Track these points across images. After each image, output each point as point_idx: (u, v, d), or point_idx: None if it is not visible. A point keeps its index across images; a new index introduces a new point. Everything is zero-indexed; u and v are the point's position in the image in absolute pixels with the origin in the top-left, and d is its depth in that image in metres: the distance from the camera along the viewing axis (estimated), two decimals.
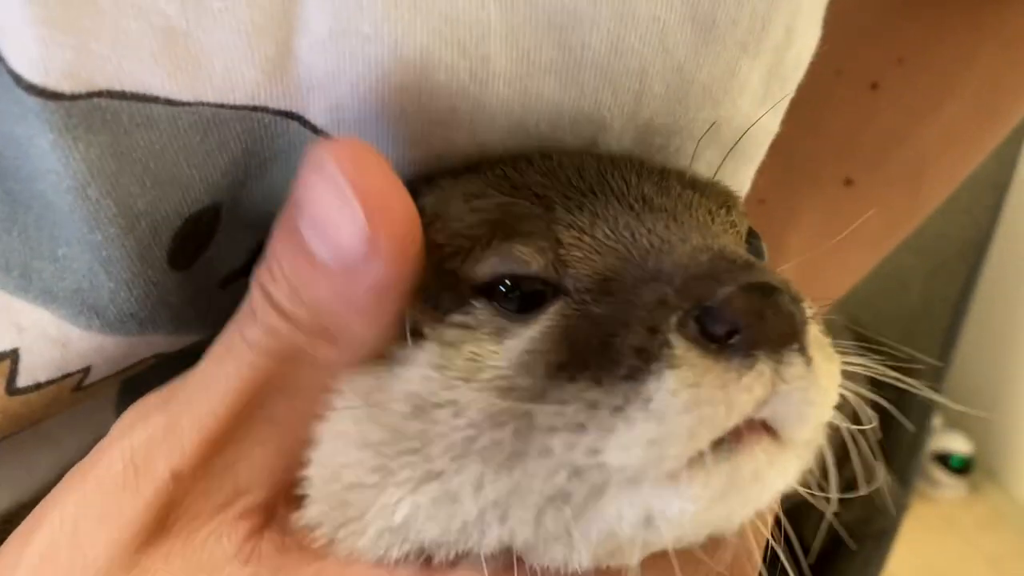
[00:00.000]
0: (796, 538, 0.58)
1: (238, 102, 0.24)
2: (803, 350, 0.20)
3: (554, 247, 0.21)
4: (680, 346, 0.19)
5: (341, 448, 0.22)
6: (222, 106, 0.24)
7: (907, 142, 0.39)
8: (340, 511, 0.23)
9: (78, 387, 0.29)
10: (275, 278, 0.22)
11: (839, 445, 0.59)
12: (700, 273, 0.20)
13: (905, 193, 0.40)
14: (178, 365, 0.30)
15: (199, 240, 0.27)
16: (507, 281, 0.22)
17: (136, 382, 0.31)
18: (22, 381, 0.28)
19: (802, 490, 0.32)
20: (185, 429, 0.23)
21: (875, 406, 0.60)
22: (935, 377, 1.05)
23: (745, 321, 0.19)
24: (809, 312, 0.21)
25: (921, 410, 0.61)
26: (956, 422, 1.64)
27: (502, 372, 0.20)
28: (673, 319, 0.19)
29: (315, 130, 0.25)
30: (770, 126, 0.31)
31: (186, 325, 0.29)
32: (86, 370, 0.29)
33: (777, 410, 0.20)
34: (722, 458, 0.19)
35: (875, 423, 0.60)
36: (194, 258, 0.28)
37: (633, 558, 0.20)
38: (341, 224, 0.21)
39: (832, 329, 0.63)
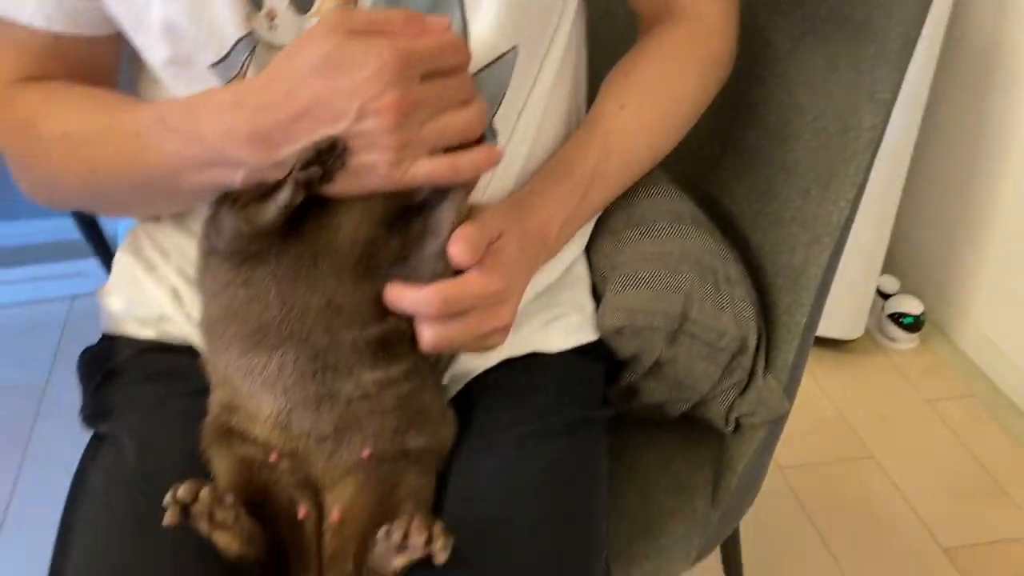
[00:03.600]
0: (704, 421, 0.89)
1: None
2: None
3: None
4: None
5: None
6: None
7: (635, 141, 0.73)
8: None
9: None
10: None
11: (729, 357, 0.86)
12: None
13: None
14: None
15: None
16: None
17: None
18: None
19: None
20: None
21: (761, 316, 0.86)
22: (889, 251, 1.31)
23: None
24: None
25: (801, 321, 0.86)
26: (910, 288, 1.89)
27: None
28: None
29: None
30: None
31: None
32: None
33: None
34: None
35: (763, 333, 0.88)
36: None
37: None
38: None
39: (738, 279, 0.88)
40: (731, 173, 0.92)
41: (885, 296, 1.87)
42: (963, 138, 1.76)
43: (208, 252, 0.61)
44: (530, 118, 0.67)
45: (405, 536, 0.53)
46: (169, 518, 0.50)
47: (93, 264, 1.80)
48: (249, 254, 0.58)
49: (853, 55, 0.79)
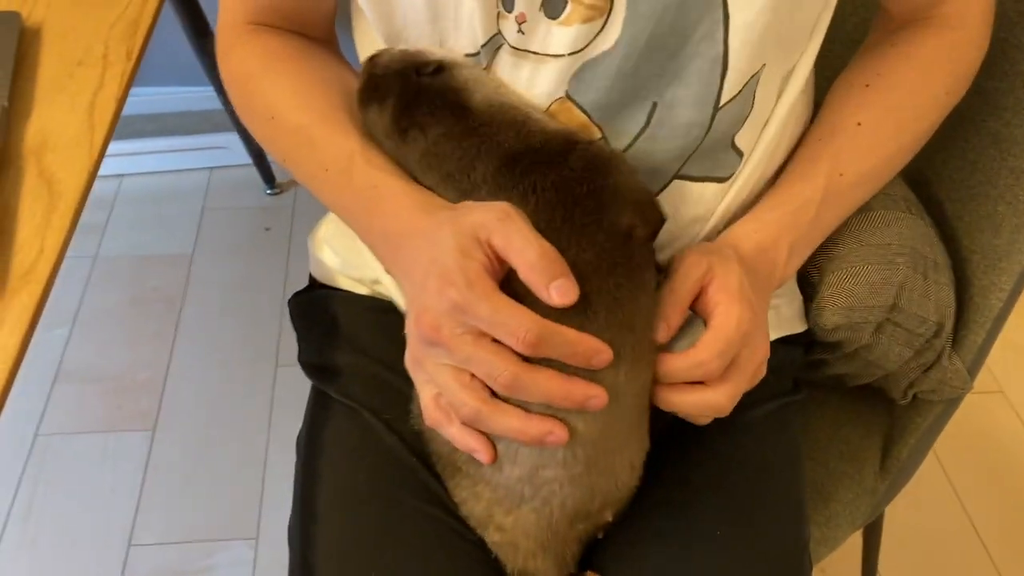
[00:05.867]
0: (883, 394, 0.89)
1: None
2: None
3: None
4: None
5: None
6: None
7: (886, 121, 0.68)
8: None
9: None
10: None
11: (924, 341, 0.86)
12: None
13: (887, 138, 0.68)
14: None
15: None
16: None
17: None
18: None
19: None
20: None
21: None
22: None
23: None
24: None
25: (997, 305, 0.84)
26: None
27: None
28: None
29: None
30: None
31: None
32: None
33: None
34: None
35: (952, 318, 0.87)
36: None
37: None
38: None
39: (944, 264, 0.85)
40: (934, 136, 0.89)
41: None
42: None
43: None
44: (773, 131, 0.64)
45: None
46: None
47: (232, 138, 1.85)
48: None
49: None
